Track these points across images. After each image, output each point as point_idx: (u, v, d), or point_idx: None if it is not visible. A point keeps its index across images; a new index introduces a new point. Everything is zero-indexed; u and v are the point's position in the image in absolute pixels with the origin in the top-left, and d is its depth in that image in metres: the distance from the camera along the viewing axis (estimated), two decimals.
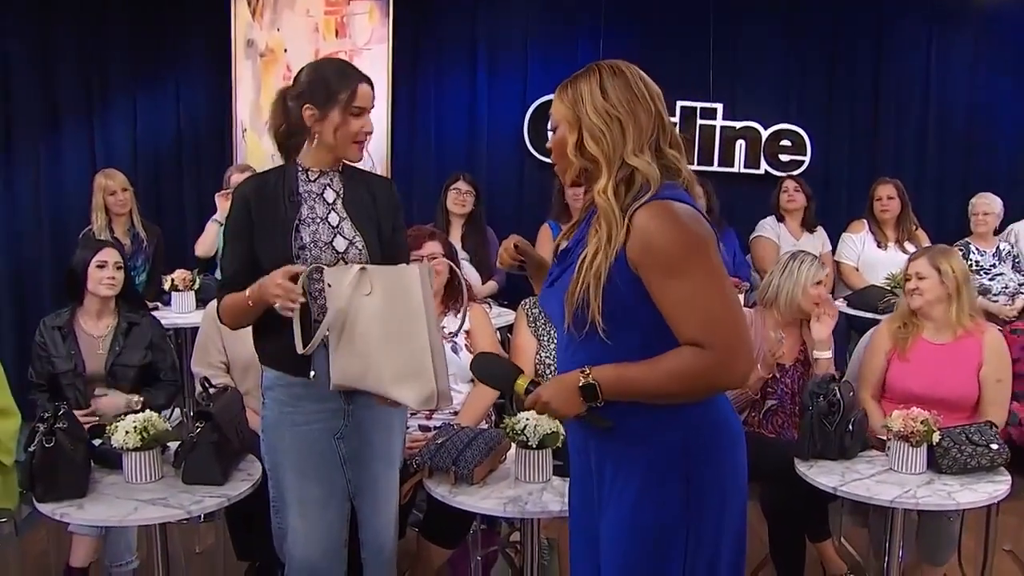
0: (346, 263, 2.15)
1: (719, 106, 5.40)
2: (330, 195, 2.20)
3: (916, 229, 4.84)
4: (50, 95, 5.12)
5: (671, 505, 1.63)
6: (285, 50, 5.12)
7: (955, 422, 2.69)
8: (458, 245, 4.50)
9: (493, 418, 3.23)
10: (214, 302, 3.27)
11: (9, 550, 2.81)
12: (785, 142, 5.42)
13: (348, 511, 2.28)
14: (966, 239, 4.87)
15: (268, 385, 2.26)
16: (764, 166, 5.45)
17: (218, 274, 4.31)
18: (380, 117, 4.97)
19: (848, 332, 4.51)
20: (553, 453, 2.42)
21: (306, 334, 2.07)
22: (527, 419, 2.40)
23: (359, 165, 2.28)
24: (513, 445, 2.47)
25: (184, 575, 3.21)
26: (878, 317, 4.08)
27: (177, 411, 3.51)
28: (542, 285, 1.85)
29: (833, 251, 4.88)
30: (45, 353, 3.07)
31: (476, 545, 2.99)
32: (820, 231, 4.93)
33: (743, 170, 5.45)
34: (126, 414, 2.38)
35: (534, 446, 2.37)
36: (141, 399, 2.95)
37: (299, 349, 2.06)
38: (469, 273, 4.45)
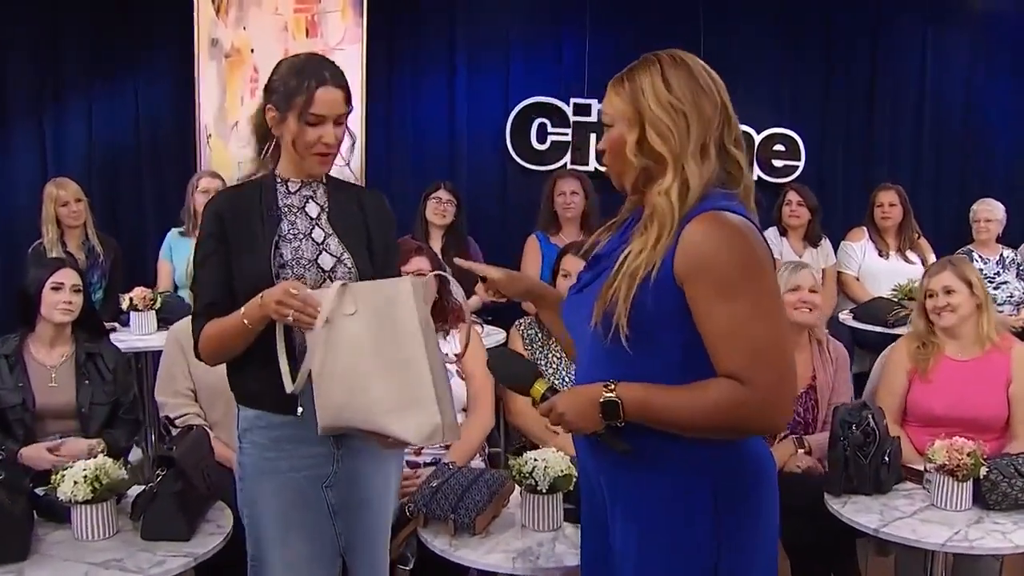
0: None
1: None
2: (313, 209, 1.94)
3: (918, 237, 4.66)
4: None
5: (696, 554, 1.47)
6: (252, 50, 4.81)
7: (984, 444, 2.46)
8: None
9: (487, 451, 2.97)
10: (180, 324, 3.03)
11: None
12: (779, 147, 5.23)
13: (339, 569, 2.00)
14: (968, 247, 4.70)
15: (246, 427, 1.97)
16: (757, 172, 5.23)
17: (183, 293, 4.12)
18: (354, 121, 4.68)
19: (852, 348, 4.29)
20: (564, 496, 2.16)
21: (292, 369, 1.79)
22: (535, 460, 2.14)
23: (333, 172, 2.01)
24: (517, 488, 2.21)
25: None
26: (888, 331, 3.88)
27: (139, 450, 3.18)
28: (554, 301, 1.75)
29: None
30: None
31: None
32: (825, 244, 4.68)
33: None
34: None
35: (544, 491, 2.11)
36: (102, 445, 2.63)
37: (287, 387, 1.78)
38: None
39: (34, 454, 2.54)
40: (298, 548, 1.91)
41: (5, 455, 2.03)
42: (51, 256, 3.93)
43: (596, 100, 5.16)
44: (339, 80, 1.86)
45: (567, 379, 2.96)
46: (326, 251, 1.90)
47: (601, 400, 1.43)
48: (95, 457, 2.12)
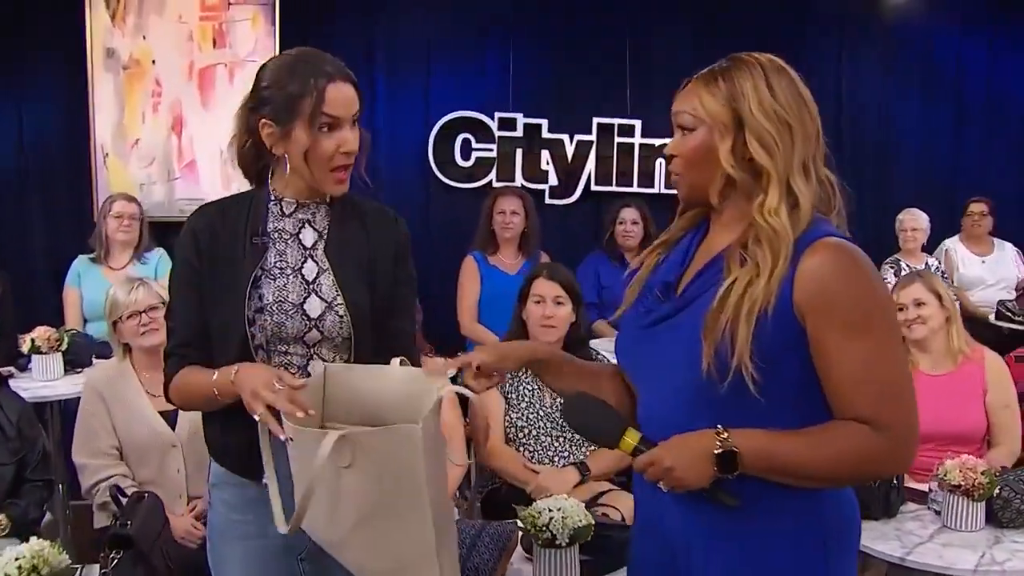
0: (321, 335, 1.60)
1: (637, 123, 5.10)
2: (309, 236, 1.64)
3: None
4: None
5: None
6: (153, 61, 4.38)
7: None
8: None
9: (458, 496, 2.73)
10: (98, 370, 2.64)
11: None
12: None
13: None
14: (895, 256, 4.78)
15: (216, 482, 1.70)
16: None
17: (94, 328, 3.66)
18: None
19: None
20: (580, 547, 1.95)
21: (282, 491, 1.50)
22: (550, 511, 1.91)
23: None
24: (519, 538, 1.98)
25: None
26: None
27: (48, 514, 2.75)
28: (558, 364, 1.53)
29: None
30: None
31: None
32: None
33: (664, 191, 5.16)
34: None
35: (564, 544, 1.89)
36: (7, 521, 2.23)
37: (279, 525, 1.48)
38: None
39: None
40: None
41: None
42: None
43: (522, 114, 5.00)
44: (346, 73, 1.57)
45: (541, 414, 2.74)
46: (316, 293, 1.61)
47: (716, 452, 1.25)
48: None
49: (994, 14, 5.45)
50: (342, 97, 1.54)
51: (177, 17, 4.40)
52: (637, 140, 5.11)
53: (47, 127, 4.49)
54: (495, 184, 4.96)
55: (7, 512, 2.34)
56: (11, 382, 2.84)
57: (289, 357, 1.61)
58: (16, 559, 1.66)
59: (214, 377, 1.51)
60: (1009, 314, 4.20)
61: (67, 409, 3.15)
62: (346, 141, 1.55)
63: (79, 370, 3.32)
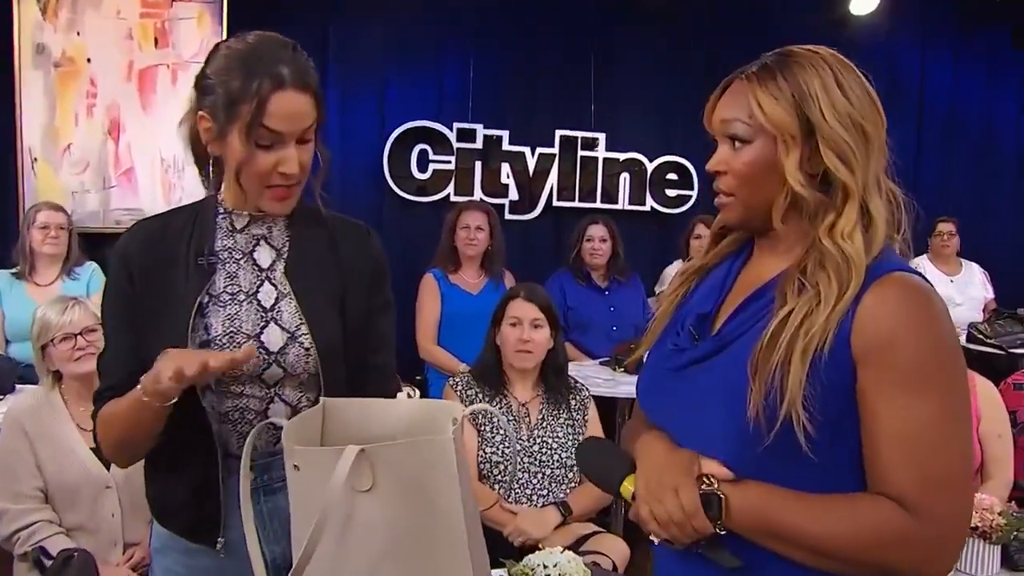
0: (283, 371, 1.35)
1: (601, 136, 4.95)
2: (265, 255, 1.39)
3: None
4: None
5: None
6: (88, 60, 4.05)
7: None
8: None
9: None
10: (21, 401, 2.33)
11: None
12: (671, 175, 5.06)
13: None
14: None
15: (159, 546, 1.44)
16: (650, 202, 5.05)
17: (16, 350, 3.31)
18: None
19: None
20: None
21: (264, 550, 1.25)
22: (543, 566, 1.70)
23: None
24: None
25: None
26: None
27: None
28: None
29: None
30: None
31: None
32: None
33: (628, 207, 5.02)
34: None
35: None
36: None
37: None
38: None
39: None
40: None
41: None
42: None
43: (481, 125, 4.80)
44: (304, 79, 1.29)
45: (518, 448, 2.53)
46: (275, 322, 1.36)
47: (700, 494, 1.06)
48: None
49: (956, 31, 5.48)
50: (289, 109, 1.27)
51: (115, 13, 4.07)
52: (601, 154, 4.97)
53: None
54: (453, 198, 4.76)
55: None
56: None
57: (245, 400, 1.36)
58: None
59: (140, 383, 1.25)
60: (981, 336, 4.14)
61: None
62: (286, 161, 1.29)
63: (0, 397, 2.99)
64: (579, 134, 4.93)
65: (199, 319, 1.32)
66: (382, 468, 1.09)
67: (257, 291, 1.37)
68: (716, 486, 1.07)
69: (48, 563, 1.61)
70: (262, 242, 1.39)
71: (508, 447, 2.52)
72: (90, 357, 2.34)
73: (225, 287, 1.36)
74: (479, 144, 4.81)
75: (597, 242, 4.20)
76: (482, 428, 2.54)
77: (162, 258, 1.35)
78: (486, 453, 2.52)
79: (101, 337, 2.35)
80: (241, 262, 1.38)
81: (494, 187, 4.85)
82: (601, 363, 3.94)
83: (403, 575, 1.11)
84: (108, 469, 2.30)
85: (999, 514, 2.06)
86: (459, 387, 2.62)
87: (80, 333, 2.35)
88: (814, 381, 1.03)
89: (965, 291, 4.74)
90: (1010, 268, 5.41)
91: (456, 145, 4.79)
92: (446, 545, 1.11)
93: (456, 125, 4.79)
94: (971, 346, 4.23)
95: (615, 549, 2.34)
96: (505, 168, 4.86)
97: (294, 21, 4.59)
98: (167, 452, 1.35)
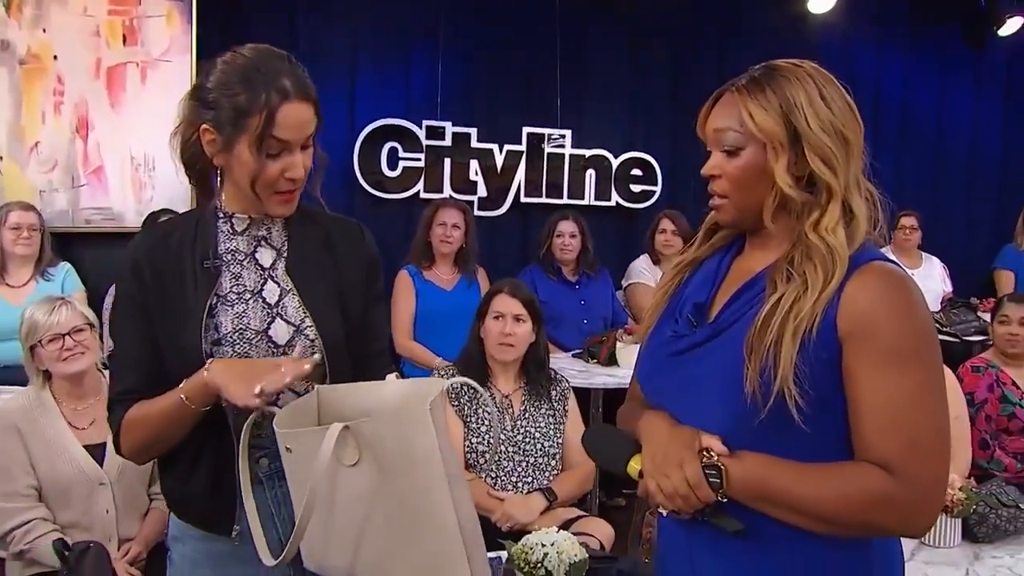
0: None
1: (567, 133, 5.04)
2: (267, 255, 1.46)
3: None
4: None
5: None
6: (55, 57, 4.01)
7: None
8: None
9: None
10: (13, 402, 2.32)
11: None
12: (636, 171, 5.17)
13: None
14: None
15: (177, 535, 1.50)
16: (615, 198, 5.15)
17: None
18: None
19: None
20: None
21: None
22: (543, 545, 1.78)
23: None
24: None
25: None
26: None
27: None
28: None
29: None
30: None
31: None
32: None
33: (593, 202, 5.12)
34: None
35: None
36: None
37: (264, 558, 1.31)
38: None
39: None
40: None
41: None
42: None
43: (450, 122, 4.85)
44: (306, 89, 1.36)
45: (503, 438, 2.61)
46: (281, 316, 1.43)
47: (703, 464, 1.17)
48: None
49: (910, 28, 5.67)
50: (296, 120, 1.34)
51: (82, 10, 4.04)
52: (567, 151, 5.05)
53: None
54: (423, 195, 4.81)
55: None
56: None
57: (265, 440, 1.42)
58: None
59: (180, 387, 1.33)
60: (938, 326, 4.31)
61: None
62: (292, 166, 1.36)
63: None
64: (546, 131, 5.01)
65: (209, 319, 1.39)
66: (365, 442, 1.20)
67: (262, 289, 1.44)
68: (716, 459, 1.17)
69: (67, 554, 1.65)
70: (262, 243, 1.46)
71: (492, 437, 2.60)
72: (79, 357, 2.36)
73: (232, 287, 1.42)
74: (448, 141, 4.86)
75: (567, 238, 4.29)
76: (468, 419, 2.61)
77: (170, 264, 1.41)
78: (471, 443, 2.59)
79: (90, 337, 2.41)
80: (244, 263, 1.44)
81: (463, 184, 4.91)
82: (574, 355, 4.04)
83: (394, 540, 1.21)
84: (102, 466, 2.33)
85: (959, 489, 2.20)
86: (445, 378, 2.68)
87: (68, 333, 2.36)
88: (804, 360, 1.14)
89: (925, 284, 4.90)
90: (962, 260, 5.61)
91: (425, 143, 4.83)
92: (430, 505, 1.21)
93: (425, 123, 4.83)
94: None
95: (601, 531, 2.44)
96: (474, 165, 4.92)
97: (263, 20, 4.62)
98: (185, 447, 1.40)
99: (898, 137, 5.64)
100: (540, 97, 5.02)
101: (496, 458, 2.58)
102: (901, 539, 1.31)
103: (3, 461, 2.26)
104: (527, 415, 2.66)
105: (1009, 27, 5.44)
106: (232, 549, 1.43)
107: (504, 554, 1.87)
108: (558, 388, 2.76)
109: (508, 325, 2.68)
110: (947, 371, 2.90)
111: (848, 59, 5.43)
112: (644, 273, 4.52)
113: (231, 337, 1.40)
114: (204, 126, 1.36)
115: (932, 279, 4.99)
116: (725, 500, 1.17)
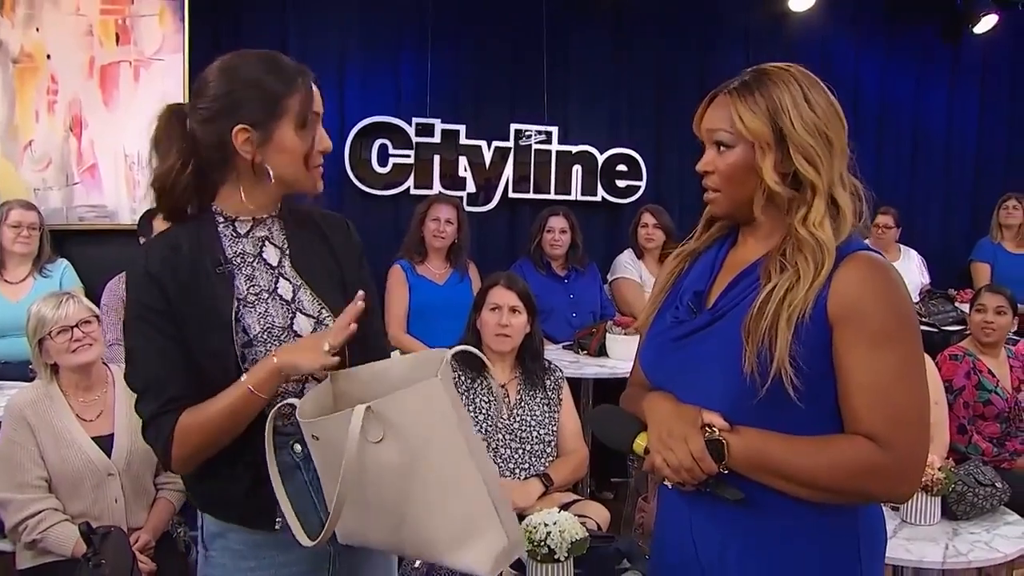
0: None
1: (554, 129, 5.12)
2: (272, 254, 1.51)
3: None
4: None
5: None
6: (48, 56, 4.04)
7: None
8: None
9: None
10: (21, 396, 2.35)
11: None
12: (621, 167, 5.25)
13: None
14: None
15: (216, 531, 1.53)
16: (601, 193, 5.24)
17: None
18: None
19: None
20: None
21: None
22: (546, 524, 1.87)
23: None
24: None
25: None
26: None
27: None
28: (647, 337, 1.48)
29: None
30: None
31: None
32: None
33: (580, 197, 5.20)
34: None
35: (563, 558, 1.84)
36: None
37: (302, 539, 1.37)
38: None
39: None
40: None
41: None
42: None
43: (439, 120, 4.92)
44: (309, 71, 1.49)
45: (499, 426, 2.69)
46: (300, 311, 1.50)
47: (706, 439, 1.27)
48: None
49: (887, 25, 5.78)
50: (319, 95, 1.48)
51: (75, 10, 4.07)
52: (554, 147, 5.13)
53: None
54: (413, 191, 4.88)
55: None
56: None
57: (287, 383, 1.48)
58: None
59: (242, 379, 1.38)
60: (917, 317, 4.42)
61: None
62: (323, 139, 1.46)
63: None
64: (533, 127, 5.08)
65: (236, 323, 1.43)
66: (387, 419, 1.30)
67: (276, 287, 1.49)
68: (718, 433, 1.27)
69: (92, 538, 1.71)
70: (266, 243, 1.50)
71: (489, 425, 2.68)
72: (87, 348, 2.42)
73: (248, 289, 1.47)
74: (437, 138, 4.92)
75: (557, 233, 4.37)
76: (465, 407, 2.69)
77: (188, 273, 1.44)
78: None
79: (97, 329, 2.46)
80: (254, 264, 1.49)
81: (452, 180, 4.98)
82: (564, 347, 4.13)
83: (428, 505, 1.31)
84: (110, 457, 2.38)
85: (939, 469, 2.31)
86: None
87: (76, 325, 2.41)
88: (798, 342, 1.24)
89: (904, 276, 5.00)
90: (940, 253, 5.75)
91: (415, 139, 4.89)
92: (455, 467, 1.31)
93: (415, 120, 4.89)
94: None
95: (598, 513, 2.52)
96: (463, 161, 4.99)
97: (254, 19, 4.66)
98: (221, 451, 1.43)
99: (876, 132, 5.75)
100: (527, 94, 5.09)
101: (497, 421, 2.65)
102: (884, 518, 1.42)
103: (13, 453, 2.32)
104: (523, 404, 2.74)
105: (984, 24, 5.57)
106: (275, 538, 1.47)
107: None
108: (552, 377, 2.84)
109: (504, 316, 2.75)
110: (926, 358, 3.06)
111: (827, 56, 5.54)
112: (628, 267, 4.61)
113: (262, 337, 1.44)
114: (239, 127, 1.40)
115: (910, 271, 5.11)
116: (727, 472, 1.27)
